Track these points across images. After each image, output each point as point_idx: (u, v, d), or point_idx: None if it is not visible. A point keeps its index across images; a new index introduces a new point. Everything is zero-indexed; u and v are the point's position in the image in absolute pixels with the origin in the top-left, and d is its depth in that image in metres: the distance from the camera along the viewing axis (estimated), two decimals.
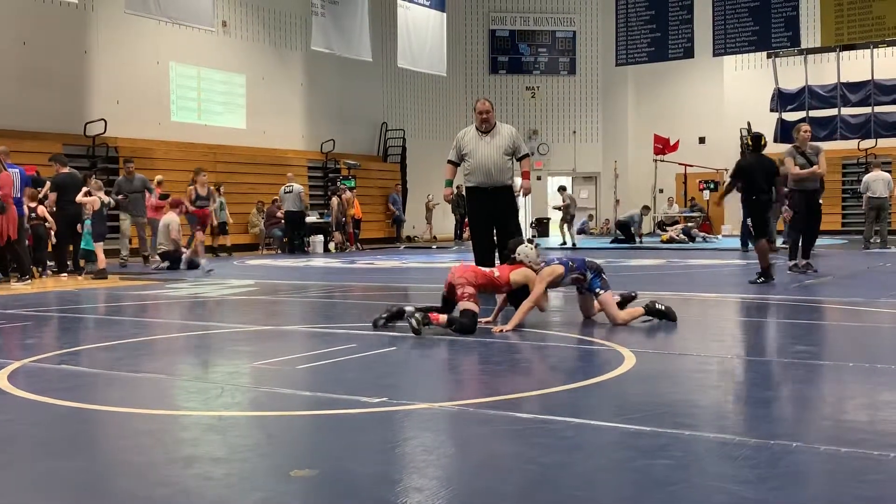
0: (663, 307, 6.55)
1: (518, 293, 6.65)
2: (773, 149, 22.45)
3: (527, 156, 9.17)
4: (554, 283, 6.54)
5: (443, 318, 6.17)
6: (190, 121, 21.13)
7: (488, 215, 9.00)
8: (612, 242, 22.29)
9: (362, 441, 3.30)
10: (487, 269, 6.73)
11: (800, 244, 11.11)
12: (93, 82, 18.86)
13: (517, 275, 6.57)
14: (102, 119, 18.27)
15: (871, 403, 3.87)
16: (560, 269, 6.51)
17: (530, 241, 6.82)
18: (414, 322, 6.03)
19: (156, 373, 4.89)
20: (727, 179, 25.40)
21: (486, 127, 8.92)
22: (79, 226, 13.00)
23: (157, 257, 14.49)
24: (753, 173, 10.28)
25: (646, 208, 24.54)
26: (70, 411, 3.89)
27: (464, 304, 6.21)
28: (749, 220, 10.63)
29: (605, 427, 3.41)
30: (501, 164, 8.89)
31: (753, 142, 10.64)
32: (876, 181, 17.15)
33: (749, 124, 27.58)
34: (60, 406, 3.96)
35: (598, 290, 6.51)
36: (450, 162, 9.18)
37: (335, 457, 3.08)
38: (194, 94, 21.40)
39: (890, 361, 4.90)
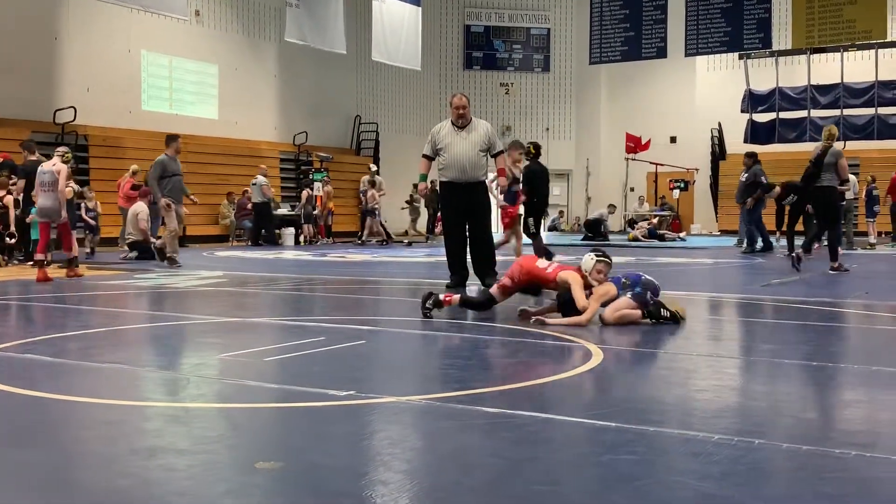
0: (668, 313, 6.28)
1: (569, 306, 6.38)
2: (745, 149, 22.62)
3: (501, 152, 9.19)
4: (606, 303, 6.35)
5: (455, 298, 6.55)
6: (161, 110, 20.94)
7: (462, 211, 9.01)
8: (582, 240, 22.39)
9: (329, 434, 3.29)
10: (542, 264, 6.78)
11: (812, 237, 11.92)
12: (63, 69, 18.64)
13: (565, 274, 6.43)
14: (72, 106, 18.06)
15: (833, 402, 3.92)
16: (613, 289, 6.33)
17: (598, 251, 6.57)
18: (430, 303, 6.43)
19: (121, 363, 4.85)
20: (685, 180, 25.53)
21: (461, 122, 8.92)
22: (30, 217, 12.70)
23: (126, 247, 14.39)
24: (536, 178, 11.10)
25: (611, 206, 24.71)
26: (33, 401, 3.85)
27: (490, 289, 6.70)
28: (531, 220, 11.14)
29: (571, 422, 3.43)
30: (476, 160, 8.90)
31: (535, 149, 11.29)
32: None
33: (720, 125, 27.84)
34: (23, 395, 3.92)
35: (623, 291, 6.33)
36: (424, 156, 9.17)
37: (301, 449, 3.07)
38: (166, 84, 21.21)
39: (853, 361, 4.97)
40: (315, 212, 21.38)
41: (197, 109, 21.89)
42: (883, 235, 20.89)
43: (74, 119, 18.11)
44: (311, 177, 22.15)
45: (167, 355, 5.30)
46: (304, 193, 21.52)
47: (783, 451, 3.03)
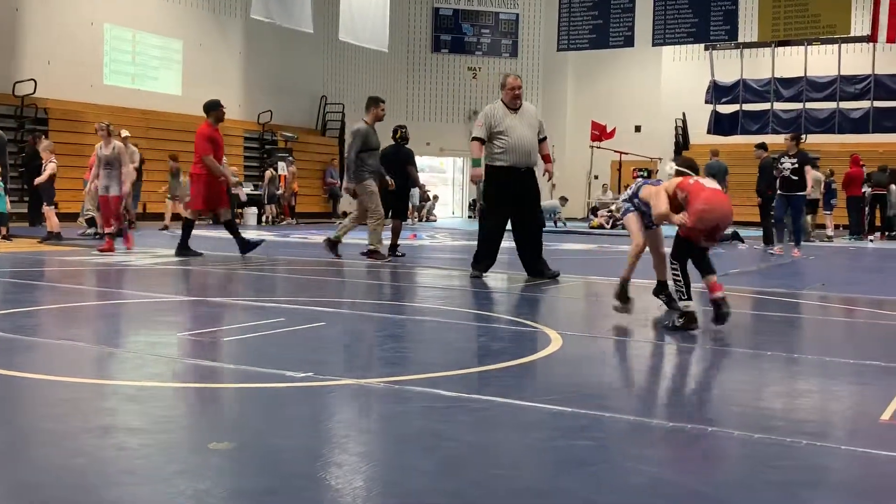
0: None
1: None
2: (708, 140, 22.79)
3: (546, 138, 8.74)
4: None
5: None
6: (123, 85, 20.65)
7: (514, 197, 8.53)
8: None
9: (285, 415, 3.27)
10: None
11: None
12: (24, 41, 18.29)
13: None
14: (32, 79, 17.75)
15: (786, 391, 3.97)
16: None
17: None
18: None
19: (77, 340, 4.79)
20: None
21: (517, 104, 8.52)
22: None
23: (84, 223, 14.20)
24: (385, 159, 11.18)
25: (563, 199, 24.94)
26: None
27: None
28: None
29: (528, 407, 3.44)
30: (534, 143, 8.49)
31: (393, 133, 11.61)
32: None
33: (684, 115, 28.04)
34: None
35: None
36: (477, 139, 8.48)
37: (256, 430, 3.05)
38: (129, 58, 20.90)
39: (807, 351, 5.04)
40: (279, 192, 21.20)
41: (160, 85, 21.60)
42: (840, 228, 21.22)
43: (34, 92, 17.80)
44: (274, 157, 21.88)
45: (124, 333, 5.25)
46: (268, 173, 21.34)
47: (735, 439, 3.07)
